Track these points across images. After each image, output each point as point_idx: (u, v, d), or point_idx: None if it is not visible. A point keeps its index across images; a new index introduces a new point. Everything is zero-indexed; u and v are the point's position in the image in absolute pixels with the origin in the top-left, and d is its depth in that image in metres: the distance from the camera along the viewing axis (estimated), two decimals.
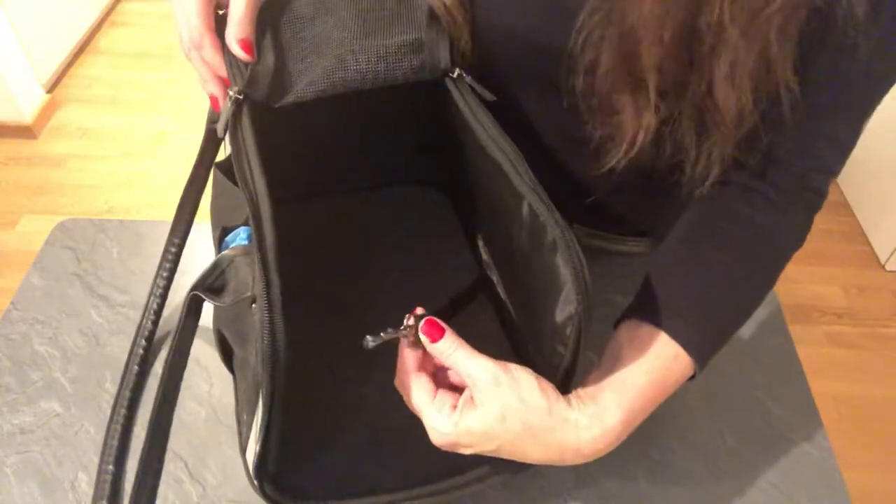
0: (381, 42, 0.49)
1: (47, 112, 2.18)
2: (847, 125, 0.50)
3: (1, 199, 1.95)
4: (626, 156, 0.49)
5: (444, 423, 0.44)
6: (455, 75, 0.51)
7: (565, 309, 0.44)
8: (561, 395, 0.45)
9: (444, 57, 0.51)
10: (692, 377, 0.49)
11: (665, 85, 0.45)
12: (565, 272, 0.43)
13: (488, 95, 0.52)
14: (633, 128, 0.47)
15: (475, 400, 0.44)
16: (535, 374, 0.45)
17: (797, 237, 0.53)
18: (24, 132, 2.10)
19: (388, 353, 0.60)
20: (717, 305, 0.50)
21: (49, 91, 2.25)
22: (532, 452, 0.44)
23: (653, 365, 0.48)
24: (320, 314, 0.62)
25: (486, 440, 0.44)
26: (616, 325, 0.52)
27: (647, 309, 0.50)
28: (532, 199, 0.45)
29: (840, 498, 0.57)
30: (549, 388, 0.45)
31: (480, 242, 0.66)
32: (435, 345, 0.45)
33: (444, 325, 0.46)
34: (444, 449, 0.45)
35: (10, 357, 0.63)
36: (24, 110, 2.07)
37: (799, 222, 0.53)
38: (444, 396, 0.45)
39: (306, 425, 0.55)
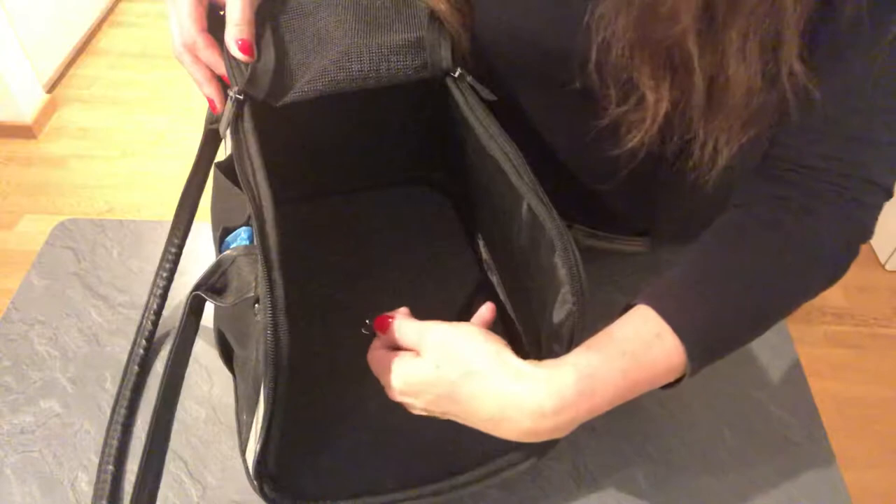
0: (382, 41, 0.49)
1: (47, 112, 2.18)
2: (885, 126, 0.46)
3: (1, 199, 1.95)
4: (649, 132, 0.47)
5: (390, 375, 0.46)
6: (456, 75, 0.51)
7: (562, 308, 0.44)
8: (513, 352, 0.44)
9: (445, 56, 0.51)
10: (682, 378, 0.45)
11: (678, 59, 0.44)
12: (563, 272, 0.43)
13: (489, 95, 0.52)
14: (654, 101, 0.46)
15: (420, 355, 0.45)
16: (485, 329, 0.45)
17: (834, 249, 0.48)
18: (24, 132, 2.10)
19: None
20: (721, 300, 0.46)
21: (49, 91, 2.25)
22: (472, 404, 0.43)
23: (628, 334, 0.44)
24: (321, 314, 0.62)
25: (425, 389, 0.44)
26: None
27: (642, 294, 0.47)
28: (531, 200, 0.45)
29: (840, 498, 0.57)
30: (498, 340, 0.44)
31: (480, 242, 0.66)
32: (388, 333, 0.47)
33: (391, 314, 0.48)
34: (400, 402, 0.47)
35: (10, 357, 0.63)
36: (24, 110, 2.07)
37: (837, 233, 0.48)
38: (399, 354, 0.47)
39: (306, 425, 0.55)
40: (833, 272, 0.49)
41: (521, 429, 0.42)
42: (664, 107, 0.46)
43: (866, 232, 0.49)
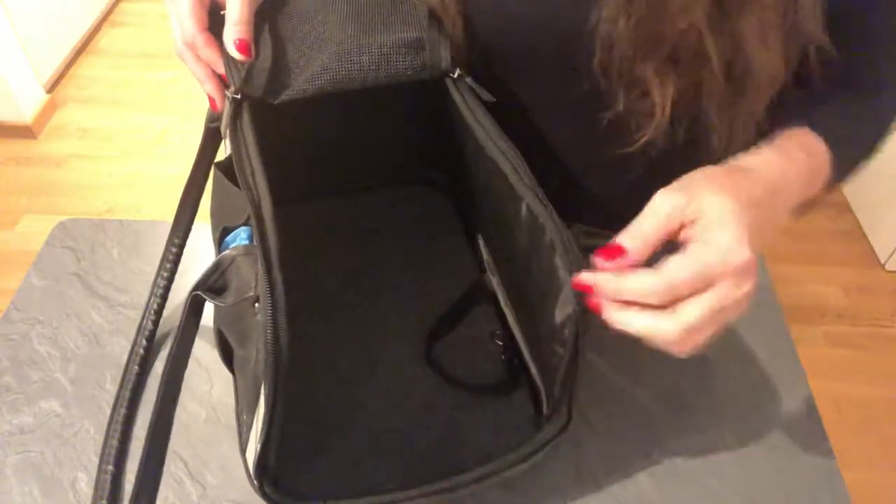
0: (381, 40, 0.49)
1: (47, 112, 2.18)
2: None
3: (1, 199, 1.95)
4: (660, 126, 0.48)
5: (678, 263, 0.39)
6: (455, 76, 0.51)
7: (564, 309, 0.44)
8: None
9: (445, 57, 0.51)
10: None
11: (687, 52, 0.45)
12: (564, 273, 0.43)
13: (488, 96, 0.52)
14: (661, 98, 0.47)
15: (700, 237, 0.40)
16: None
17: None
18: (24, 132, 2.10)
19: (389, 354, 0.60)
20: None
21: (49, 91, 2.25)
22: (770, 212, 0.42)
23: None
24: (321, 314, 0.62)
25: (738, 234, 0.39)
26: None
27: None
28: (530, 200, 0.45)
29: (840, 498, 0.57)
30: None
31: (481, 242, 0.66)
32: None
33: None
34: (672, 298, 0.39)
35: (10, 357, 0.63)
36: (24, 110, 2.07)
37: None
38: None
39: (306, 425, 0.55)
40: None
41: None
42: (670, 99, 0.46)
43: None
